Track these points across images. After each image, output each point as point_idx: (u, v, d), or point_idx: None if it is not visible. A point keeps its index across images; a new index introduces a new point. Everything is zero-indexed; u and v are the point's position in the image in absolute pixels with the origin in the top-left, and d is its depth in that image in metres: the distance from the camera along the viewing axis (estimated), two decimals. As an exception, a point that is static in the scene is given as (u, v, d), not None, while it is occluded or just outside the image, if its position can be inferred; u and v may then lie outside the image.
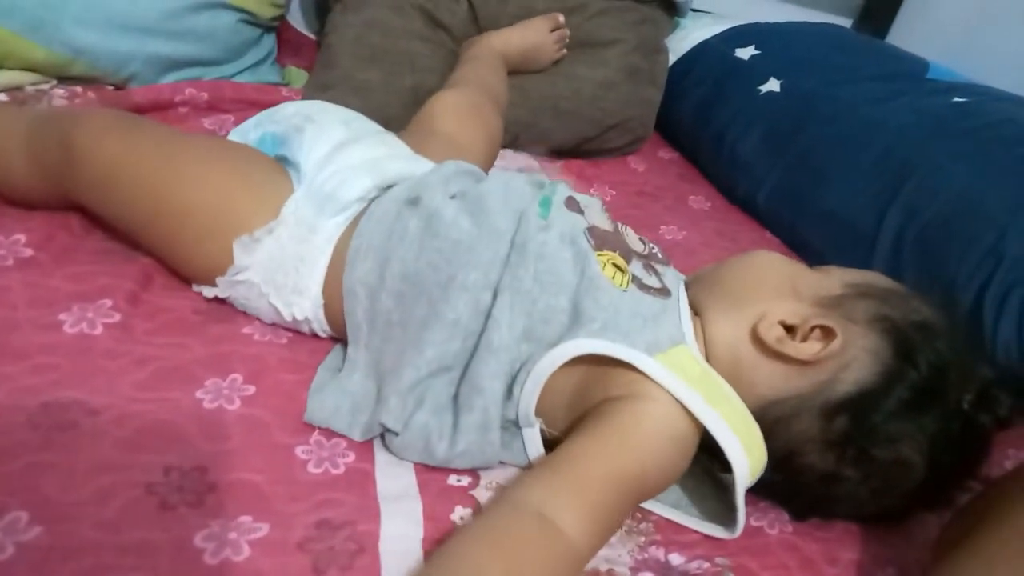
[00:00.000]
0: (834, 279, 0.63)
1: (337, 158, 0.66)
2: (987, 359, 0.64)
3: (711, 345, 0.60)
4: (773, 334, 0.58)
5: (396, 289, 0.60)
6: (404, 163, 0.69)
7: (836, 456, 0.57)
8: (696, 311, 0.62)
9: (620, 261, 0.61)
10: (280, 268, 0.62)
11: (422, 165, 0.70)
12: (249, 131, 0.72)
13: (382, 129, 0.76)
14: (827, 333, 0.58)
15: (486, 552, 0.47)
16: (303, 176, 0.65)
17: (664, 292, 0.62)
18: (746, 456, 0.55)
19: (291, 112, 0.72)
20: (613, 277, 0.60)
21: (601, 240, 0.62)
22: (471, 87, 0.95)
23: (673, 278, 0.65)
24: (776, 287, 0.62)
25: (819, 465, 0.58)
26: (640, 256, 0.64)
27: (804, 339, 0.58)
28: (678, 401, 0.54)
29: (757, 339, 0.59)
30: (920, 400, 0.56)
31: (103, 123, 0.65)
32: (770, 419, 0.57)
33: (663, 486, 0.57)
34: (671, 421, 0.55)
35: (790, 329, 0.59)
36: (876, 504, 0.60)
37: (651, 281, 0.62)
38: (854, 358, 0.57)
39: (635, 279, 0.61)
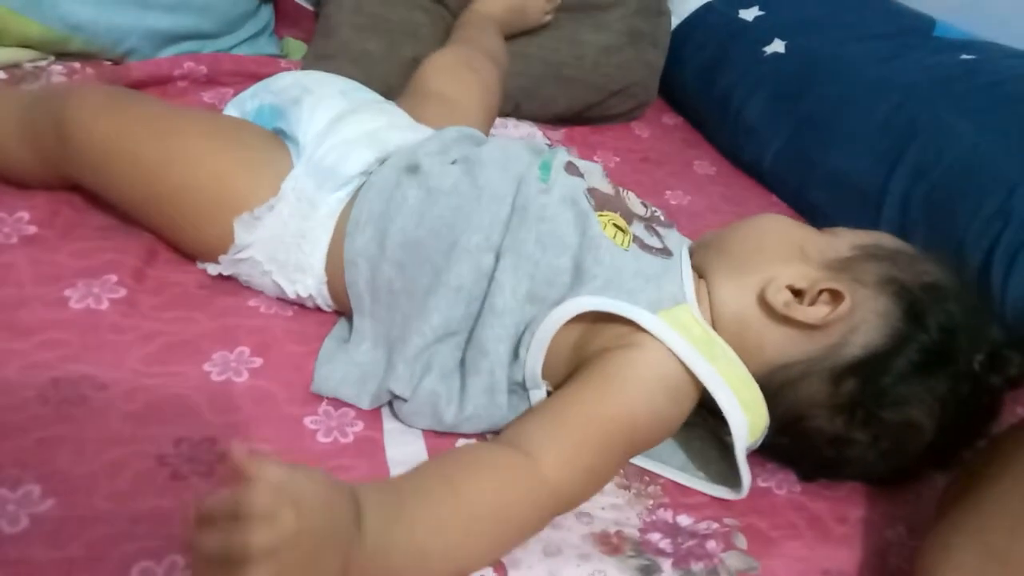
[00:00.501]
0: (843, 241, 0.62)
1: (336, 131, 0.65)
2: (997, 320, 0.63)
3: (717, 309, 0.60)
4: (781, 298, 0.58)
5: (397, 258, 0.59)
6: (405, 133, 0.69)
7: (845, 419, 0.57)
8: (701, 275, 0.62)
9: (621, 222, 0.61)
10: (282, 245, 0.62)
11: (422, 133, 0.70)
12: (246, 102, 0.72)
13: (380, 98, 0.75)
14: (835, 296, 0.57)
15: (463, 474, 0.48)
16: (302, 150, 0.64)
17: (666, 252, 0.61)
18: (744, 413, 0.55)
19: (288, 82, 0.71)
20: (614, 237, 0.59)
21: (602, 201, 0.62)
22: (459, 44, 0.94)
23: (676, 240, 0.65)
24: (783, 250, 0.62)
25: (827, 428, 0.58)
26: (642, 219, 0.64)
27: (812, 303, 0.58)
28: (675, 355, 0.55)
29: (764, 304, 0.59)
30: (930, 362, 0.56)
31: (96, 102, 0.64)
32: (776, 383, 0.57)
33: (655, 437, 0.58)
34: (664, 370, 0.55)
35: (798, 293, 0.59)
36: (885, 465, 0.60)
37: (653, 241, 0.62)
38: (863, 320, 0.57)
39: (636, 239, 0.61)
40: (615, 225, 0.60)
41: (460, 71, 0.87)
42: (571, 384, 0.56)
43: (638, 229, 0.62)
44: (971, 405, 0.58)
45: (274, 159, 0.64)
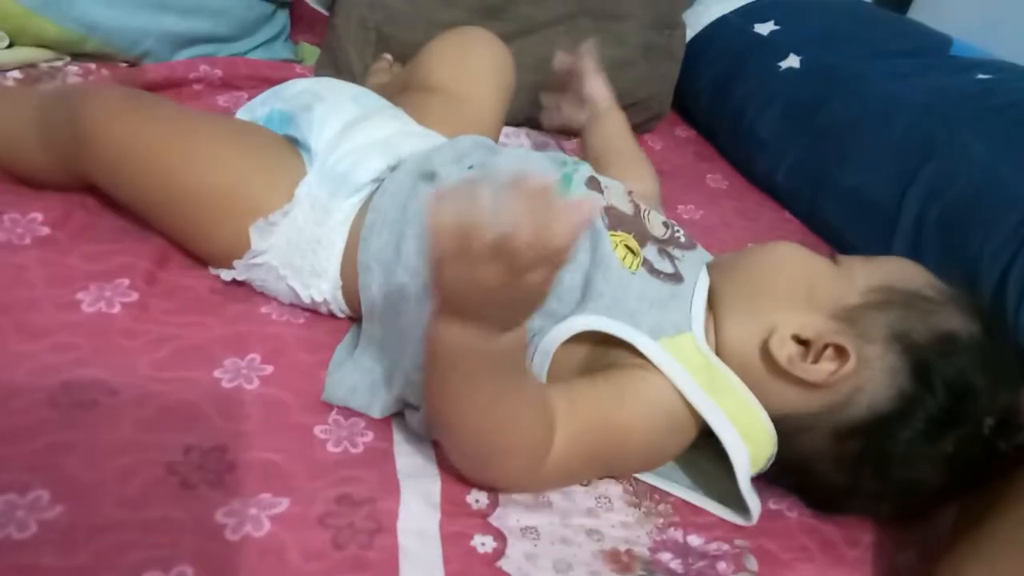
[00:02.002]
0: (855, 283, 0.59)
1: (349, 137, 0.65)
2: (1016, 371, 0.59)
3: (721, 345, 0.59)
4: (785, 352, 0.56)
5: (412, 265, 0.59)
6: (417, 140, 0.68)
7: (850, 471, 0.57)
8: (711, 303, 0.61)
9: (633, 243, 0.60)
10: (297, 251, 0.62)
11: (435, 141, 0.69)
12: (256, 108, 0.72)
13: (391, 104, 0.75)
14: (841, 353, 0.55)
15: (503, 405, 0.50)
16: (314, 157, 0.64)
17: (676, 278, 0.60)
18: (745, 444, 0.55)
19: (300, 89, 0.71)
20: (624, 259, 0.59)
21: (616, 221, 0.61)
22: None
23: (693, 264, 0.63)
24: (791, 292, 0.59)
25: (831, 477, 0.58)
26: (658, 241, 0.63)
27: (817, 358, 0.56)
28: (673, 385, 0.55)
29: (768, 354, 0.57)
30: (938, 427, 0.55)
31: (113, 104, 0.64)
32: (779, 430, 0.57)
33: (643, 460, 0.58)
34: (669, 399, 0.55)
35: (804, 342, 0.57)
36: (891, 509, 0.60)
37: (663, 266, 0.61)
38: (869, 379, 0.55)
39: (646, 262, 0.60)
40: (626, 246, 0.60)
41: (462, 58, 0.81)
42: (594, 377, 0.56)
43: (650, 252, 0.61)
44: (980, 462, 0.56)
45: (288, 165, 0.64)
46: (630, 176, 0.74)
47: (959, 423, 0.55)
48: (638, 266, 0.59)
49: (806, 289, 0.59)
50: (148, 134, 0.63)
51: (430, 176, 0.62)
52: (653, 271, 0.60)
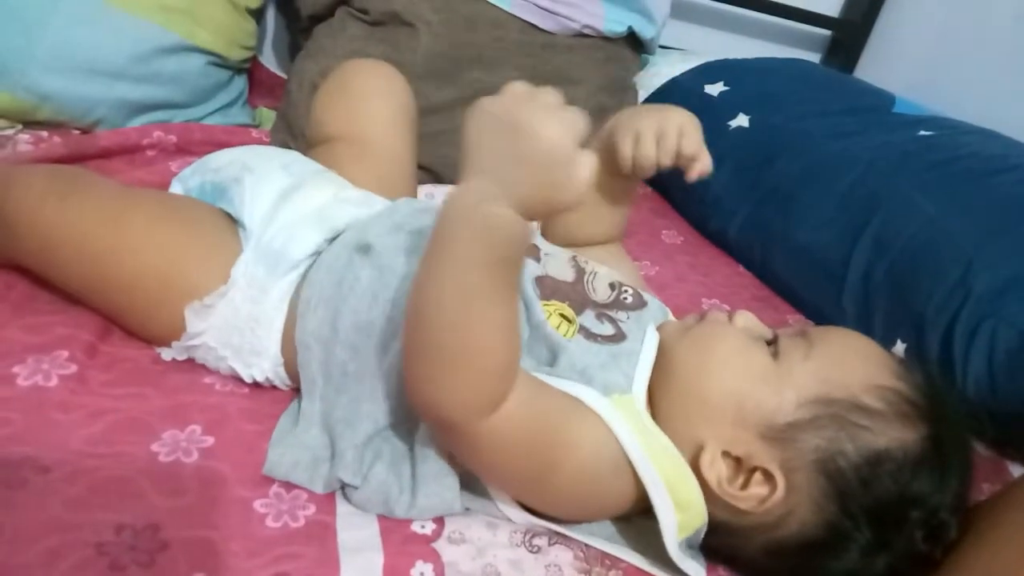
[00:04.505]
0: (788, 395, 0.55)
1: (282, 210, 0.65)
2: (959, 465, 0.56)
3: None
4: (715, 474, 0.55)
5: (351, 340, 0.59)
6: (351, 207, 0.68)
7: (782, 572, 0.57)
8: (651, 391, 0.59)
9: (568, 311, 0.60)
10: (236, 330, 0.62)
11: (372, 203, 0.69)
12: (188, 179, 0.71)
13: (323, 168, 0.74)
14: (770, 478, 0.54)
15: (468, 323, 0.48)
16: (250, 234, 0.64)
17: (617, 338, 0.60)
18: (675, 510, 0.54)
19: (228, 160, 0.70)
20: (558, 327, 0.59)
21: (551, 290, 0.61)
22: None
23: (640, 323, 0.63)
24: (723, 406, 0.56)
25: (766, 571, 0.58)
26: (598, 305, 0.63)
27: (746, 481, 0.55)
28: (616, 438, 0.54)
29: (698, 470, 0.55)
30: (865, 554, 0.54)
31: (37, 188, 0.62)
32: (711, 526, 0.57)
33: (578, 488, 0.55)
34: (614, 450, 0.54)
35: (735, 458, 0.56)
36: None
37: (602, 329, 0.61)
38: (798, 504, 0.54)
39: (582, 329, 0.60)
40: (561, 315, 0.60)
41: (350, 97, 0.81)
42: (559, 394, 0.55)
43: (587, 319, 0.61)
44: (914, 566, 0.55)
45: (223, 242, 0.64)
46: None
47: (888, 547, 0.54)
48: (574, 333, 0.59)
49: (737, 403, 0.56)
50: (76, 220, 0.61)
51: (366, 249, 0.62)
52: (590, 336, 0.60)
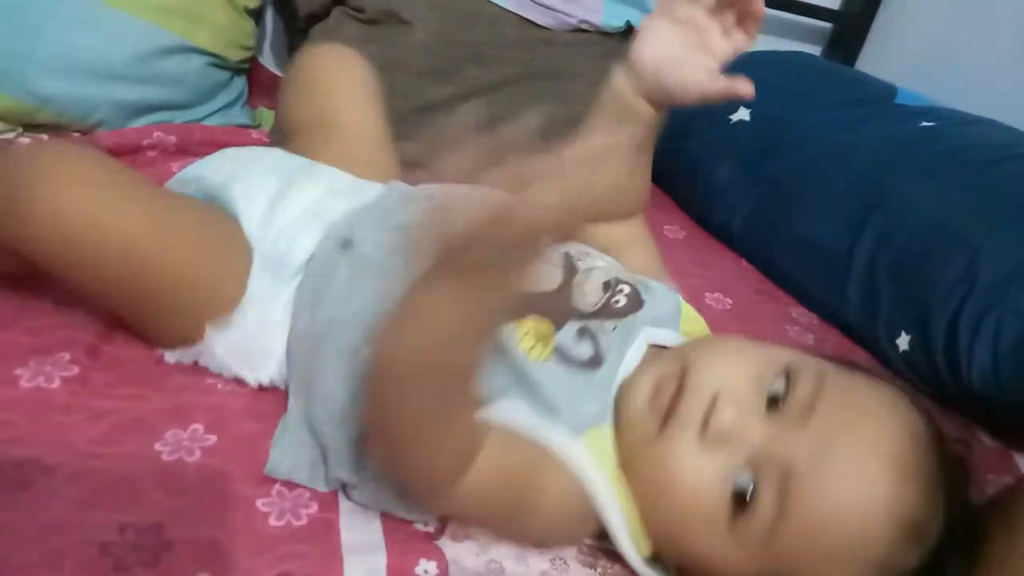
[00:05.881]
0: (755, 552, 0.50)
1: (278, 212, 0.63)
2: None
3: None
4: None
5: (330, 338, 0.58)
6: (345, 200, 0.66)
7: None
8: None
9: (546, 329, 0.58)
10: (247, 339, 0.61)
11: (364, 191, 0.68)
12: (176, 187, 0.69)
13: (309, 161, 0.72)
14: None
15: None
16: (252, 242, 0.62)
17: (593, 363, 0.57)
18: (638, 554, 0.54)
19: (213, 167, 0.68)
20: (531, 350, 0.56)
21: (527, 308, 0.59)
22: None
23: (628, 336, 0.60)
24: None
25: None
26: (583, 317, 0.60)
27: None
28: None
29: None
30: None
31: (66, 175, 0.55)
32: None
33: (549, 527, 0.56)
34: (575, 487, 0.54)
35: None
36: None
37: (580, 351, 0.58)
38: None
39: (557, 351, 0.57)
40: (536, 333, 0.57)
41: (313, 81, 0.81)
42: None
43: (566, 335, 0.58)
44: None
45: (237, 248, 0.62)
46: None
47: None
48: (548, 356, 0.57)
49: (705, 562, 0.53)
50: (104, 212, 0.55)
51: (347, 244, 0.61)
52: (564, 359, 0.57)
